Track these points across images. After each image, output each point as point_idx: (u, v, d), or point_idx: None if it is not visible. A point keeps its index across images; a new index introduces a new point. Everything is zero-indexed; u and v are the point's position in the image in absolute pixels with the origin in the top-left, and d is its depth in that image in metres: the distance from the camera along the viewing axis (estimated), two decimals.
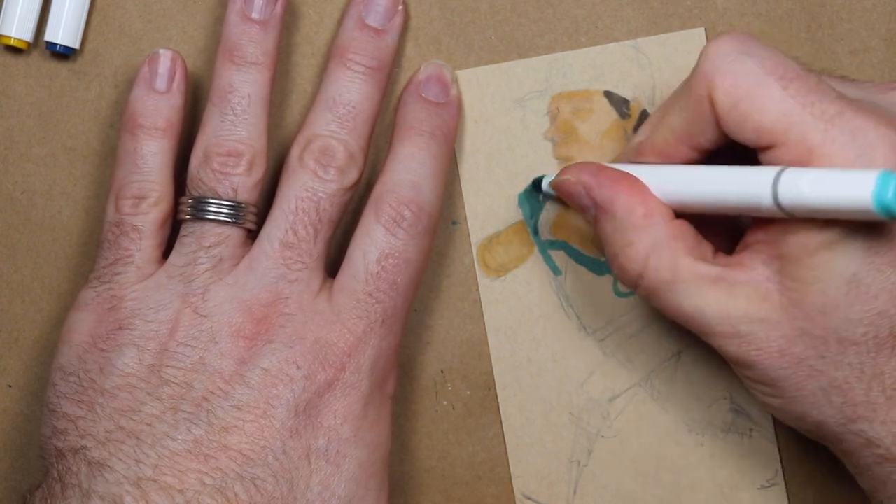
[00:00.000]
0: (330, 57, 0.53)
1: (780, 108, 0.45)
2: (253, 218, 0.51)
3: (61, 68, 0.55)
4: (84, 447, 0.48)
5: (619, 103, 0.55)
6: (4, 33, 0.54)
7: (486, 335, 0.55)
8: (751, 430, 0.55)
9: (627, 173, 0.49)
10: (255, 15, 0.52)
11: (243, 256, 0.51)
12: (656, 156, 0.49)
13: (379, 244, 0.50)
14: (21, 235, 0.56)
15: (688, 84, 0.47)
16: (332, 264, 0.52)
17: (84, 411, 0.49)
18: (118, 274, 0.51)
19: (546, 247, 0.55)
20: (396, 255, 0.50)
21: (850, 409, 0.46)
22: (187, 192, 0.52)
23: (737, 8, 0.54)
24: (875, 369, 0.46)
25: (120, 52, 0.55)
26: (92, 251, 0.55)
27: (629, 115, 0.55)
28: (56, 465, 0.49)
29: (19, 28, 0.54)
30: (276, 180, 0.53)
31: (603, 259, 0.55)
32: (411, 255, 0.51)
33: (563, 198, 0.50)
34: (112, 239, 0.52)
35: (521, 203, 0.55)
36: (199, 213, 0.51)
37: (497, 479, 0.55)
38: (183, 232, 0.51)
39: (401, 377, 0.55)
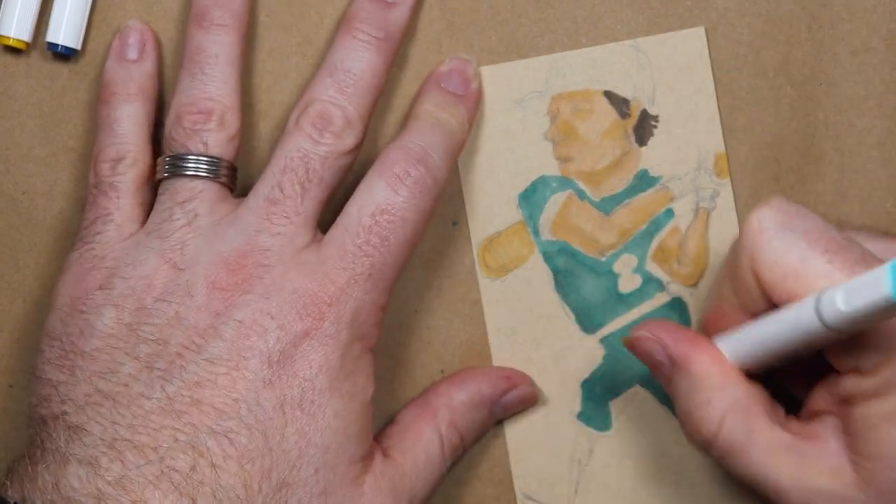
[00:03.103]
0: (338, 27, 0.53)
1: (829, 282, 0.44)
2: (227, 173, 0.51)
3: (62, 69, 0.55)
4: (64, 412, 0.48)
5: (620, 103, 0.55)
6: (3, 33, 0.54)
7: (486, 335, 0.55)
8: None
9: (702, 335, 0.48)
10: None
11: (223, 213, 0.51)
12: (717, 330, 0.49)
13: (377, 198, 0.50)
14: (22, 236, 0.56)
15: (733, 259, 0.47)
16: None
17: (66, 376, 0.49)
18: (98, 233, 0.51)
19: (546, 247, 0.55)
20: (393, 211, 0.50)
21: None
22: (162, 153, 0.52)
23: (737, 8, 0.54)
24: None
25: None
26: None
27: (629, 115, 0.55)
28: (39, 432, 0.49)
29: (18, 28, 0.54)
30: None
31: (603, 259, 0.55)
32: (409, 215, 0.50)
33: (635, 355, 0.50)
34: (91, 200, 0.52)
35: (521, 203, 0.55)
36: (173, 169, 0.51)
37: (497, 479, 0.55)
38: (160, 191, 0.52)
39: (401, 377, 0.55)
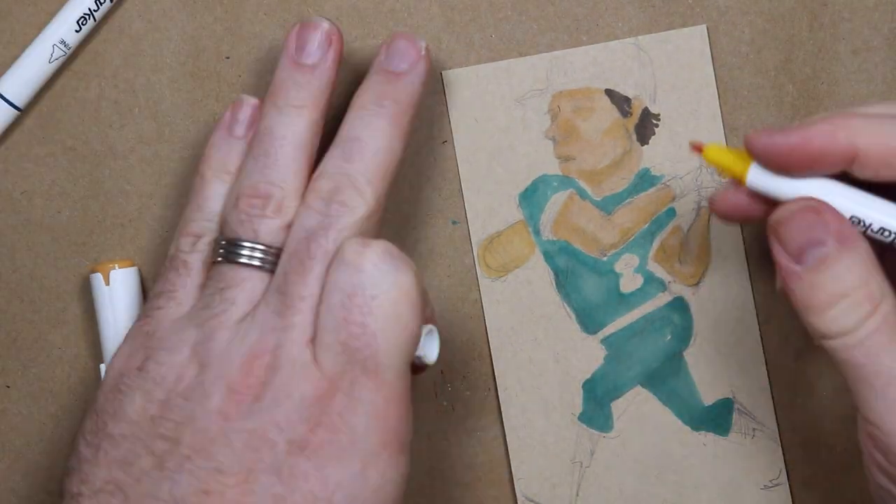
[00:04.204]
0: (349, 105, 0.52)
1: None
2: (273, 261, 0.49)
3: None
4: (80, 494, 0.47)
5: (621, 101, 0.55)
6: None
7: (486, 335, 0.55)
8: (754, 430, 0.55)
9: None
10: (304, 60, 0.51)
11: (255, 305, 0.48)
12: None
13: (340, 284, 0.47)
14: (20, 235, 0.55)
15: None
16: None
17: (91, 454, 0.47)
18: (159, 308, 0.50)
19: (547, 247, 0.55)
20: (360, 292, 0.46)
21: None
22: (219, 234, 0.50)
23: (738, 7, 0.54)
24: None
25: (120, 51, 0.55)
26: (91, 251, 0.55)
27: (630, 114, 0.55)
28: None
29: None
30: None
31: (604, 258, 0.55)
32: (378, 290, 0.46)
33: (787, 226, 0.45)
34: (163, 273, 0.51)
35: (521, 202, 0.55)
36: (226, 255, 0.49)
37: (497, 480, 0.55)
38: (209, 274, 0.50)
39: None
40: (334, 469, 0.45)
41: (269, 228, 0.49)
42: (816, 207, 0.45)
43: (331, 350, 0.46)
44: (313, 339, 0.47)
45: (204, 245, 0.50)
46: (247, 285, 0.48)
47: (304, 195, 0.49)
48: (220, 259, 0.49)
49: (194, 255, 0.50)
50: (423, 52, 0.51)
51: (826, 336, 0.44)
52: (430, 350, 0.49)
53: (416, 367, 0.49)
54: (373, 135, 0.50)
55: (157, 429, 0.46)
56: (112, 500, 0.46)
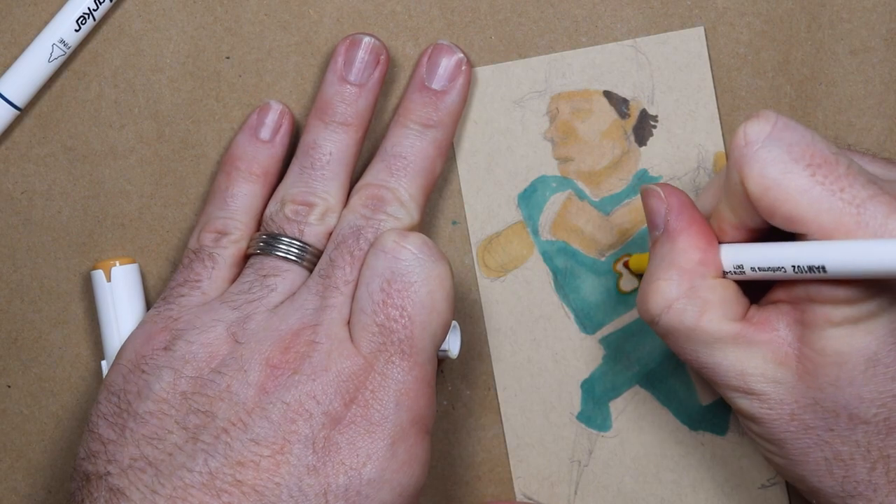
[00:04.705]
0: (392, 117, 0.54)
1: (809, 195, 0.44)
2: (312, 259, 0.52)
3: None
4: (108, 473, 0.48)
5: (619, 103, 0.55)
6: None
7: (486, 335, 0.55)
8: None
9: (706, 222, 0.48)
10: (352, 77, 0.53)
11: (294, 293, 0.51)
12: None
13: (379, 270, 0.49)
14: (20, 235, 0.56)
15: (726, 175, 0.47)
16: None
17: (116, 435, 0.49)
18: (182, 296, 0.52)
19: (546, 247, 0.55)
20: (399, 278, 0.49)
21: (851, 485, 0.46)
22: (260, 231, 0.53)
23: (737, 8, 0.54)
24: (882, 451, 0.46)
25: (120, 51, 0.55)
26: (91, 251, 0.55)
27: (629, 115, 0.55)
28: (80, 489, 0.48)
29: None
30: None
31: (602, 259, 0.55)
32: (417, 277, 0.49)
33: (644, 206, 0.49)
34: (186, 263, 0.53)
35: (520, 203, 0.55)
36: (266, 247, 0.51)
37: (497, 479, 0.55)
38: (247, 264, 0.52)
39: None
40: (365, 442, 0.47)
41: (313, 231, 0.52)
42: (661, 195, 0.48)
43: (367, 331, 0.49)
44: (349, 321, 0.49)
45: (228, 242, 0.53)
46: (287, 276, 0.51)
47: (348, 202, 0.52)
48: (258, 252, 0.52)
49: (220, 251, 0.52)
50: (464, 67, 0.54)
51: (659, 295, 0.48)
52: (453, 344, 0.53)
53: (438, 360, 0.51)
54: (416, 155, 0.53)
55: (189, 404, 0.48)
56: (143, 475, 0.47)
